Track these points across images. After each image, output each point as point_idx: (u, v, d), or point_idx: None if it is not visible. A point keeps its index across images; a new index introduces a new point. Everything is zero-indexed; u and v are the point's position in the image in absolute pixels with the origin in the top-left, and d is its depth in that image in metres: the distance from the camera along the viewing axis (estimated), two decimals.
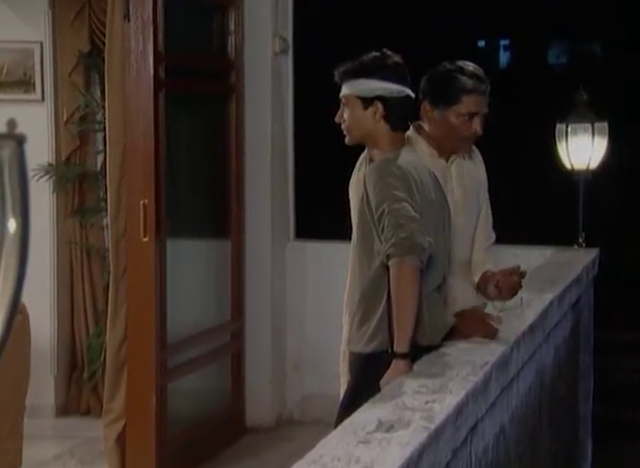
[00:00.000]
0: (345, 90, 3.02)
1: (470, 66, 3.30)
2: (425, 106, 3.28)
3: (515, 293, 3.13)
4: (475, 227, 3.47)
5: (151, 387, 4.57)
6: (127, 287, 4.76)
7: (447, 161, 3.41)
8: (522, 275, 3.09)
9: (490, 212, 3.52)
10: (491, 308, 3.29)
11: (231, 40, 5.26)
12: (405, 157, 2.94)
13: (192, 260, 5.14)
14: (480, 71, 3.31)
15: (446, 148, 3.33)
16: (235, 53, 5.28)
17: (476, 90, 3.27)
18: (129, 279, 4.71)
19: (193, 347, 4.94)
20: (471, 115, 3.25)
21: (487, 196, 3.53)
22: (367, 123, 2.99)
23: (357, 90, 2.98)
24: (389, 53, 3.03)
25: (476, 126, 3.27)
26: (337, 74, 3.04)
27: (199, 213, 5.29)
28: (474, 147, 3.54)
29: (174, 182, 4.81)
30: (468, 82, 3.26)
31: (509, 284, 3.10)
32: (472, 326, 3.04)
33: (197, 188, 5.24)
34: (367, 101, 2.98)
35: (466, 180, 3.42)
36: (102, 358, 5.33)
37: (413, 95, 3.06)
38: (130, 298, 4.70)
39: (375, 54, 3.03)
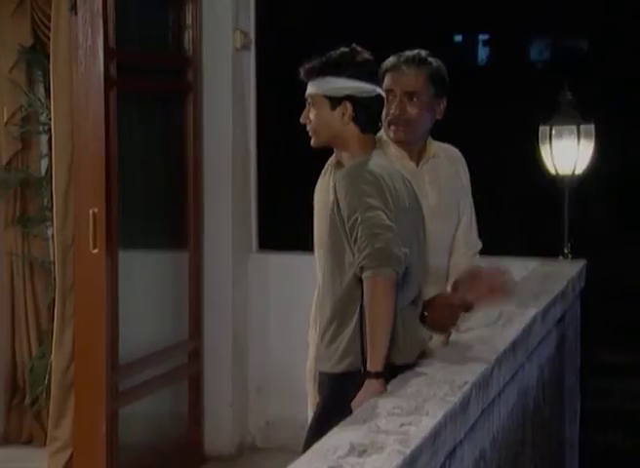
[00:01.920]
0: (312, 88, 3.04)
1: (408, 51, 3.44)
2: None
3: (509, 295, 3.14)
4: (453, 236, 3.52)
5: (101, 412, 4.57)
6: (74, 303, 4.76)
7: (417, 164, 3.46)
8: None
9: (474, 219, 3.58)
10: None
11: (188, 35, 5.29)
12: (376, 161, 2.97)
13: (146, 274, 5.14)
14: (416, 54, 3.43)
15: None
16: (192, 48, 5.31)
17: (393, 67, 3.42)
18: (77, 294, 4.71)
19: (147, 368, 4.95)
20: (388, 92, 3.34)
21: (470, 203, 3.58)
22: (335, 124, 3.01)
23: (324, 89, 3.01)
24: (359, 49, 3.06)
25: (392, 105, 3.34)
26: (302, 71, 3.06)
27: (154, 222, 5.30)
28: (459, 153, 3.60)
29: (126, 189, 4.82)
30: (390, 60, 3.44)
31: (499, 283, 3.13)
32: (444, 314, 3.10)
33: (152, 195, 5.25)
34: (335, 101, 3.00)
35: (444, 186, 3.47)
36: (47, 381, 5.32)
37: (384, 94, 3.10)
38: (78, 316, 4.71)
39: (343, 49, 3.05)
